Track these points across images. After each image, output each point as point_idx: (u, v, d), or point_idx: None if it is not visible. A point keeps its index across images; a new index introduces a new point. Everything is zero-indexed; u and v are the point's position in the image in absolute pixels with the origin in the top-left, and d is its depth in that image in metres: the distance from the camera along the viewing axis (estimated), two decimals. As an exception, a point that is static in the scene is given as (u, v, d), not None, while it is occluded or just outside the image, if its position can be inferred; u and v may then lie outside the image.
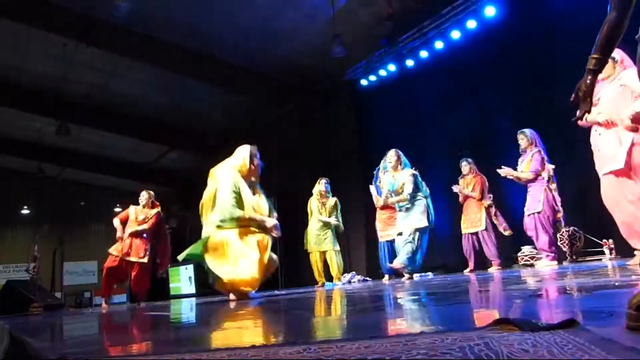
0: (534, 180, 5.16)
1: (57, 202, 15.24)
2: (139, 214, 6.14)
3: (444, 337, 0.91)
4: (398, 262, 5.37)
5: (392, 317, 1.70)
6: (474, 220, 6.07)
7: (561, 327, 0.86)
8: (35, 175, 12.81)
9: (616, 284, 1.96)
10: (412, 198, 5.48)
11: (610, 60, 3.30)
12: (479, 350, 0.76)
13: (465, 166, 6.26)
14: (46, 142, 12.39)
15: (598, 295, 1.64)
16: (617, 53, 3.36)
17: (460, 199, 6.22)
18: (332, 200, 6.71)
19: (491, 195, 6.15)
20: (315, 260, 6.63)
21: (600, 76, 3.30)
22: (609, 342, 0.73)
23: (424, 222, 5.44)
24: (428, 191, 5.68)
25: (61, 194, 15.42)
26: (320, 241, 6.58)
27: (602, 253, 5.14)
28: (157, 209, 6.27)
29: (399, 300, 2.50)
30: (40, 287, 7.82)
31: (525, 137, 5.30)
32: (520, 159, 5.40)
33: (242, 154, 4.48)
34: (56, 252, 10.86)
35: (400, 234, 5.53)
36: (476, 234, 6.05)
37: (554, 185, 5.16)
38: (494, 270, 5.71)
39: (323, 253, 6.61)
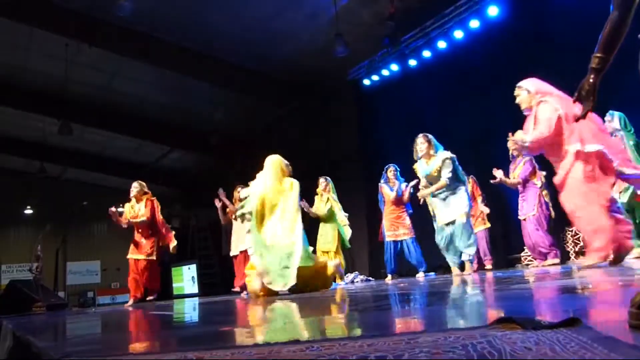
0: (525, 185, 5.46)
1: (60, 201, 15.27)
2: (130, 211, 6.35)
3: (446, 335, 0.91)
4: (468, 254, 5.01)
5: (395, 316, 1.70)
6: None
7: (564, 325, 0.86)
8: (37, 175, 12.85)
9: (619, 283, 1.96)
10: (454, 187, 5.07)
11: (526, 92, 3.55)
12: (481, 349, 0.76)
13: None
14: (49, 142, 12.43)
15: (601, 294, 1.64)
16: (532, 84, 3.55)
17: None
18: (324, 198, 6.76)
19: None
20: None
21: (522, 107, 3.63)
22: (611, 340, 0.73)
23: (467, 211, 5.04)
24: (465, 177, 5.31)
25: (64, 193, 15.45)
26: (324, 242, 6.65)
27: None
28: (147, 197, 6.42)
29: (401, 300, 2.50)
30: (43, 286, 7.82)
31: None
32: (511, 166, 5.68)
33: (283, 161, 4.74)
34: (59, 251, 10.87)
35: (450, 223, 5.04)
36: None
37: (545, 191, 5.41)
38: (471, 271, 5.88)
39: (326, 253, 6.65)
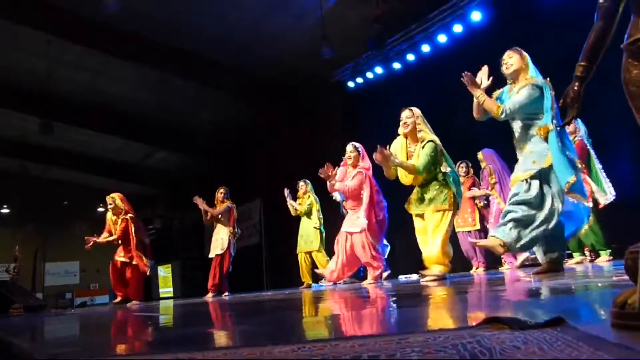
0: None
1: (39, 201, 14.95)
2: (110, 223, 6.61)
3: (435, 335, 0.92)
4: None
5: (383, 316, 1.72)
6: (467, 219, 6.12)
7: (550, 325, 0.88)
8: (21, 174, 12.58)
9: (602, 284, 2.01)
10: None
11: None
12: (472, 348, 0.78)
13: (463, 168, 6.31)
14: (30, 141, 12.15)
15: (585, 295, 1.68)
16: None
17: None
18: (306, 198, 6.83)
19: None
20: (300, 260, 6.72)
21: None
22: (596, 338, 0.75)
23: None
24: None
25: (44, 193, 15.13)
26: (305, 242, 6.67)
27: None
28: (123, 215, 6.53)
29: (387, 301, 2.52)
30: (21, 287, 7.66)
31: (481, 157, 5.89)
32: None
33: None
34: (38, 252, 10.65)
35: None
36: (469, 232, 6.06)
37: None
38: (481, 271, 5.82)
39: (309, 254, 6.67)
